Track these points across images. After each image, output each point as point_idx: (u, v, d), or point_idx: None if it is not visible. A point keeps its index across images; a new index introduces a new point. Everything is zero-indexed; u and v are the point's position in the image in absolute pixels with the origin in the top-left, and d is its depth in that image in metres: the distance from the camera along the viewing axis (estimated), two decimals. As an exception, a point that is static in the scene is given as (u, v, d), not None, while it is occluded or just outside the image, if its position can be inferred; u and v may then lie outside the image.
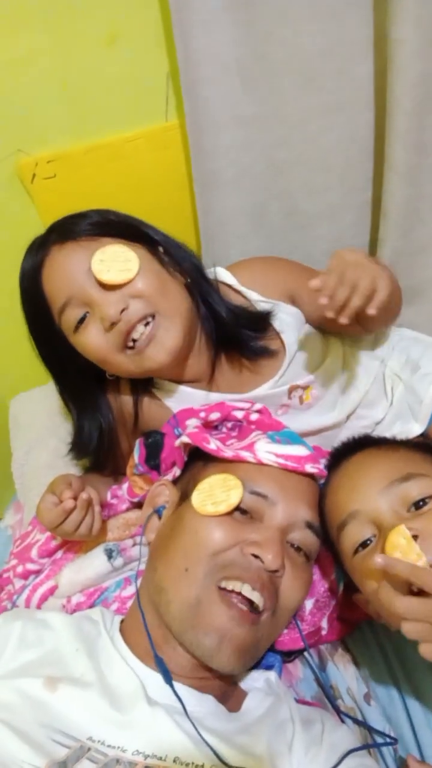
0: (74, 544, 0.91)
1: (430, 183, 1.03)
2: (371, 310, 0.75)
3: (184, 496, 0.78)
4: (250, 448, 0.79)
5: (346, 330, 0.96)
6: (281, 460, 0.78)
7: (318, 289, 0.75)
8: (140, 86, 1.06)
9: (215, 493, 0.74)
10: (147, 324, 0.80)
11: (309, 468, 0.79)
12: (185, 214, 1.20)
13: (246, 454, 0.78)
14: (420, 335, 1.12)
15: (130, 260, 0.79)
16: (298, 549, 0.75)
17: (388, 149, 0.99)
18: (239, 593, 0.68)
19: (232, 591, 0.69)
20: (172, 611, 0.70)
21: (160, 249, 0.86)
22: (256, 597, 0.69)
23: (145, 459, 0.90)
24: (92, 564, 0.86)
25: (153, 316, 0.80)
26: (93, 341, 0.81)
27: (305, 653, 0.85)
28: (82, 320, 0.81)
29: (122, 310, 0.79)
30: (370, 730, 0.77)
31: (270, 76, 0.98)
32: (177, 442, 0.83)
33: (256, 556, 0.70)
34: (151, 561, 0.77)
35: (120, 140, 1.11)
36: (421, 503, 0.70)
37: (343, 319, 0.75)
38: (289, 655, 0.86)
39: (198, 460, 0.83)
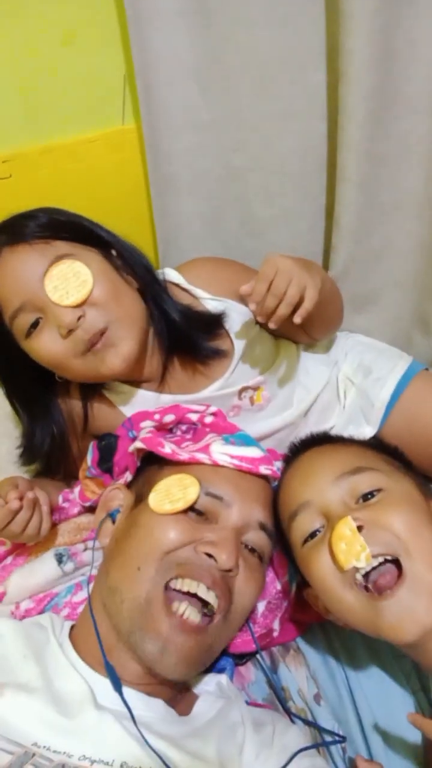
0: (24, 550, 0.89)
1: (383, 192, 1.05)
2: (297, 319, 0.79)
3: (139, 500, 0.77)
4: (205, 449, 0.80)
5: (291, 335, 0.97)
6: (236, 461, 0.78)
7: (247, 294, 0.78)
8: (97, 88, 1.06)
9: (172, 491, 0.74)
10: (105, 331, 0.80)
11: (263, 469, 0.79)
12: (142, 217, 1.20)
13: (201, 456, 0.78)
14: (374, 341, 1.14)
15: (80, 272, 0.78)
16: (252, 550, 0.75)
17: (340, 158, 1.01)
18: (194, 594, 0.68)
19: (187, 592, 0.68)
20: (123, 611, 0.69)
21: (113, 252, 0.86)
22: (211, 597, 0.68)
23: (98, 462, 0.89)
24: (42, 569, 0.84)
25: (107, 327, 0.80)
26: (48, 347, 0.80)
27: (257, 656, 0.85)
28: (34, 325, 0.80)
29: (79, 317, 0.78)
30: (320, 729, 0.77)
31: (226, 81, 1.00)
32: (131, 448, 0.82)
33: (210, 555, 0.69)
34: (104, 565, 0.76)
35: (77, 142, 1.10)
36: (369, 495, 0.71)
37: (272, 325, 0.79)
38: (241, 658, 0.86)
39: (153, 463, 0.82)
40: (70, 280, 0.77)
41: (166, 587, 0.69)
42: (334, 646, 0.87)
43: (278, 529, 0.79)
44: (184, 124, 1.03)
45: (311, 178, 1.09)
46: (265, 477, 0.81)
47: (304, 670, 0.85)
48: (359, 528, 0.66)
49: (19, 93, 1.03)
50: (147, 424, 0.86)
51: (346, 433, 1.04)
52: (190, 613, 0.68)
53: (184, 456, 0.78)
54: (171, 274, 0.93)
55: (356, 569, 0.66)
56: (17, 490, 0.77)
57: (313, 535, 0.72)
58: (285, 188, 1.10)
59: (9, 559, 0.89)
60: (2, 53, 0.99)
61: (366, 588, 0.66)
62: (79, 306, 0.78)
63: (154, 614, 0.67)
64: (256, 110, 1.02)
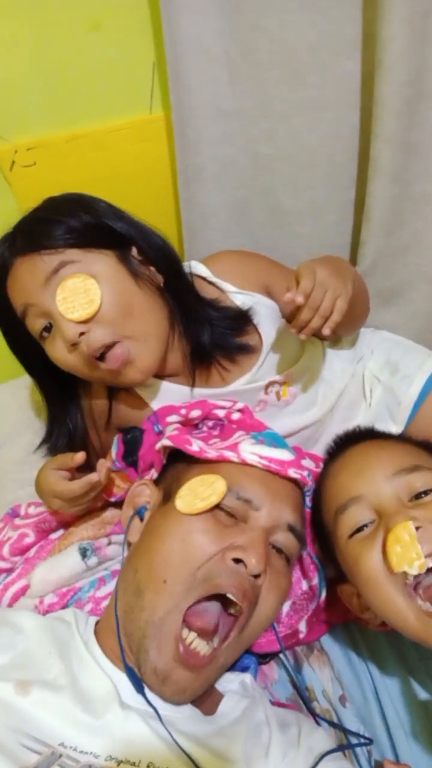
0: (48, 542, 0.89)
1: (414, 183, 1.03)
2: (326, 331, 0.79)
3: (167, 497, 0.76)
4: (233, 448, 0.78)
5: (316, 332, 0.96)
6: (264, 462, 0.77)
7: (289, 301, 0.77)
8: (125, 75, 1.04)
9: (199, 491, 0.72)
10: (113, 346, 0.78)
11: (292, 473, 0.78)
12: (168, 208, 1.18)
13: (230, 454, 0.77)
14: (401, 338, 1.12)
15: (90, 290, 0.76)
16: (279, 551, 0.74)
17: (374, 150, 0.99)
18: (223, 596, 0.67)
19: (213, 596, 0.67)
20: (139, 619, 0.68)
21: (134, 249, 0.83)
22: (236, 607, 0.68)
23: (123, 455, 0.88)
24: (66, 563, 0.84)
25: (120, 340, 0.78)
26: (59, 354, 0.80)
27: (281, 655, 0.84)
28: (47, 329, 0.79)
29: (81, 333, 0.76)
30: (345, 731, 0.77)
31: (256, 69, 0.97)
32: (158, 445, 0.81)
33: (238, 561, 0.68)
34: (132, 562, 0.74)
35: (103, 130, 1.08)
36: (422, 494, 0.71)
37: (302, 336, 0.79)
38: (264, 657, 0.85)
39: (180, 460, 0.81)
40: (79, 295, 0.76)
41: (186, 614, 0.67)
42: (359, 646, 0.86)
43: (317, 524, 0.77)
44: (212, 113, 1.01)
45: (341, 169, 1.07)
46: (293, 480, 0.79)
47: (329, 671, 0.84)
48: (417, 528, 0.66)
49: (44, 80, 1.02)
50: (173, 419, 0.85)
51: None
52: (198, 644, 0.67)
53: (212, 454, 0.76)
54: (197, 267, 0.92)
55: (406, 573, 0.65)
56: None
57: (360, 529, 0.71)
58: (314, 180, 1.08)
59: (32, 552, 0.89)
60: (28, 39, 0.97)
61: (414, 589, 0.66)
62: (82, 323, 0.76)
63: (164, 636, 0.66)
64: (286, 100, 1.00)
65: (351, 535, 0.72)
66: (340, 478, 0.77)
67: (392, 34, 0.85)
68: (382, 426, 1.02)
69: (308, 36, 0.94)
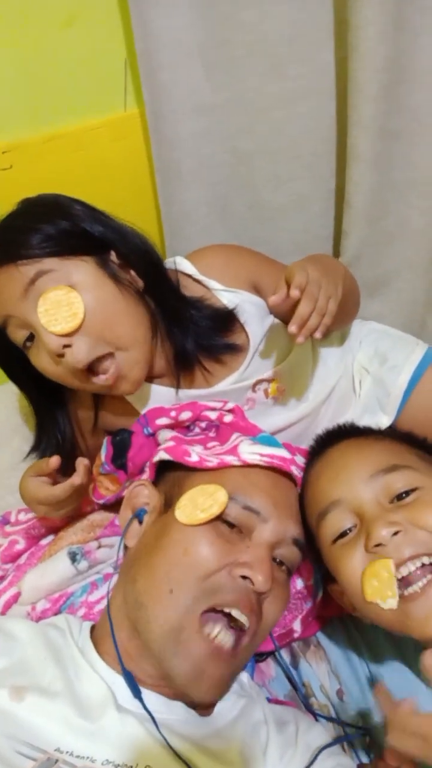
0: (38, 549, 0.88)
1: (395, 170, 1.02)
2: (317, 335, 0.78)
3: (169, 503, 0.75)
4: (233, 451, 0.77)
5: None
6: (267, 459, 0.76)
7: (276, 305, 0.77)
8: (99, 73, 1.03)
9: (199, 501, 0.71)
10: (102, 358, 0.77)
11: (294, 470, 0.77)
12: (148, 206, 1.17)
13: (230, 459, 0.75)
14: (388, 329, 1.11)
15: (74, 304, 0.75)
16: (281, 563, 0.73)
17: (351, 137, 0.98)
18: (227, 615, 0.66)
19: (220, 611, 0.66)
20: (152, 631, 0.66)
21: (113, 254, 0.81)
22: (244, 619, 0.67)
23: (112, 458, 0.87)
24: (55, 568, 0.83)
25: (111, 354, 0.77)
26: (44, 365, 0.78)
27: (277, 654, 0.83)
28: (30, 338, 0.78)
29: (65, 345, 0.75)
30: (342, 725, 0.76)
31: (232, 62, 0.96)
32: (155, 459, 0.79)
33: (244, 577, 0.67)
34: (131, 570, 0.73)
35: (79, 130, 1.07)
36: (403, 495, 0.69)
37: (300, 339, 0.78)
38: (260, 655, 0.84)
39: (180, 466, 0.79)
40: (62, 308, 0.74)
41: (201, 614, 0.66)
42: (355, 639, 0.86)
43: (305, 526, 0.76)
44: (188, 108, 1.00)
45: (322, 160, 1.06)
46: (292, 480, 0.79)
47: (325, 666, 0.84)
48: (396, 532, 0.65)
49: (18, 81, 1.00)
50: (163, 421, 0.84)
51: (361, 424, 1.03)
52: (224, 636, 0.66)
53: (212, 462, 0.75)
54: (183, 264, 0.90)
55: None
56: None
57: (343, 534, 0.70)
58: (296, 172, 1.07)
59: (23, 558, 0.88)
60: (1, 39, 0.96)
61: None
62: (65, 335, 0.75)
63: (187, 639, 0.65)
64: (262, 92, 0.99)
65: (334, 541, 0.71)
66: (319, 482, 0.75)
67: (365, 19, 0.84)
68: (372, 417, 1.02)
69: (283, 26, 0.93)
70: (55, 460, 0.78)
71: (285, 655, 0.85)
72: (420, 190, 1.03)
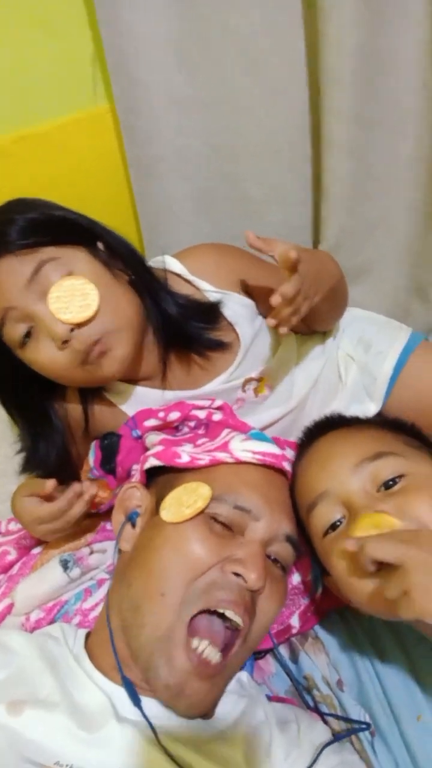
0: (30, 558, 0.87)
1: (373, 158, 1.01)
2: (282, 329, 0.75)
3: (161, 503, 0.73)
4: (225, 447, 0.76)
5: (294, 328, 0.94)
6: (259, 456, 0.75)
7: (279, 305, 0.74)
8: (67, 69, 1.01)
9: (183, 499, 0.70)
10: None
11: (286, 466, 0.76)
12: (124, 203, 1.15)
13: (222, 455, 0.74)
14: (371, 315, 1.10)
15: (89, 295, 0.74)
16: (275, 561, 0.72)
17: (326, 124, 0.97)
18: (221, 614, 0.65)
19: (214, 612, 0.65)
20: (142, 637, 0.65)
21: (100, 245, 0.80)
22: (238, 619, 0.66)
23: (101, 462, 0.86)
24: (48, 577, 0.81)
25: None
26: (46, 358, 0.76)
27: (275, 651, 0.83)
28: (28, 334, 0.76)
29: (72, 328, 0.74)
30: (345, 720, 0.76)
31: (205, 55, 0.94)
32: (145, 466, 0.78)
33: (237, 575, 0.66)
34: (126, 574, 0.71)
35: (50, 128, 1.05)
36: (391, 482, 0.68)
37: (283, 330, 0.76)
38: (259, 653, 0.84)
39: (170, 467, 0.77)
40: (75, 298, 0.73)
41: (190, 622, 0.65)
42: (354, 630, 0.85)
43: (299, 521, 0.76)
44: (162, 103, 0.98)
45: (299, 150, 1.04)
46: (285, 476, 0.78)
47: (324, 657, 0.83)
48: None
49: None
50: (151, 423, 0.83)
51: (349, 412, 1.02)
52: (210, 652, 0.64)
53: (204, 460, 0.74)
54: (172, 264, 0.88)
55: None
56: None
57: (333, 526, 0.69)
58: (274, 164, 1.05)
59: (15, 569, 0.87)
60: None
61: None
62: (73, 325, 0.74)
63: (172, 649, 0.64)
64: (236, 84, 0.97)
65: (325, 534, 0.70)
66: (306, 475, 0.74)
67: (334, 3, 0.82)
68: (360, 405, 1.01)
69: (253, 16, 0.91)
70: (51, 484, 0.77)
71: (284, 649, 0.85)
72: (399, 179, 1.02)
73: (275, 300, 0.71)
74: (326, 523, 0.70)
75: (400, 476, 0.68)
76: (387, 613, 0.65)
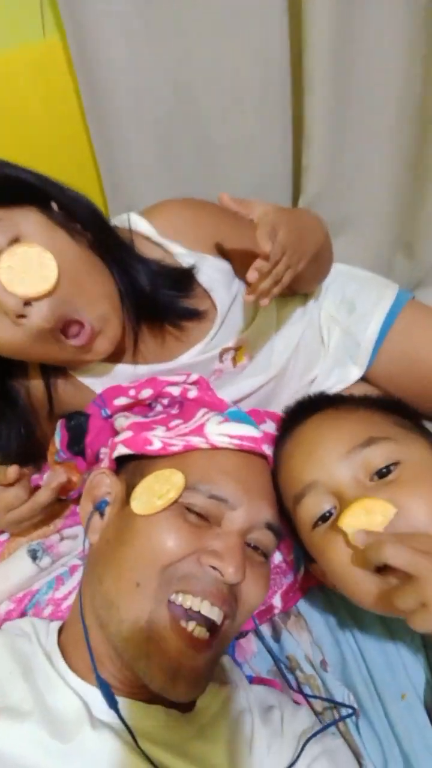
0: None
1: (355, 98, 0.92)
2: (264, 301, 0.70)
3: (131, 491, 0.68)
4: (200, 431, 0.70)
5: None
6: (236, 441, 0.69)
7: (255, 281, 0.68)
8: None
9: (155, 488, 0.65)
10: (72, 323, 0.69)
11: (266, 449, 0.71)
12: (81, 150, 1.04)
13: (197, 440, 0.69)
14: (354, 269, 1.04)
15: (47, 266, 0.66)
16: (256, 548, 0.68)
17: (306, 63, 0.87)
18: (198, 612, 0.61)
19: (190, 609, 0.61)
20: (123, 632, 0.61)
21: (54, 205, 0.71)
22: (215, 614, 0.62)
23: (68, 444, 0.80)
24: (15, 569, 0.77)
25: (78, 322, 0.69)
26: (3, 334, 0.68)
27: (257, 630, 0.80)
28: None
29: (26, 303, 0.66)
30: (329, 702, 0.74)
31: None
32: (114, 454, 0.72)
33: (214, 568, 0.62)
34: (96, 569, 0.67)
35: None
36: (384, 470, 0.64)
37: (264, 302, 0.69)
38: (240, 633, 0.81)
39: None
40: (32, 268, 0.65)
41: (169, 602, 0.61)
42: (336, 607, 0.84)
43: (281, 509, 0.71)
44: (116, 35, 0.87)
45: (273, 91, 0.94)
46: (266, 458, 0.73)
47: (307, 635, 0.82)
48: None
49: None
50: (121, 401, 0.77)
51: (331, 378, 0.97)
52: (200, 631, 0.61)
53: (177, 446, 0.68)
54: (139, 224, 0.79)
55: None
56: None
57: (323, 518, 0.65)
58: (243, 105, 0.95)
59: (-20, 558, 0.82)
60: None
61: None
62: (30, 299, 0.66)
63: (160, 633, 0.60)
64: (200, 11, 0.85)
65: (314, 526, 0.66)
66: (292, 463, 0.69)
67: None
68: (342, 370, 0.96)
69: None
70: (13, 471, 0.72)
71: (266, 628, 0.83)
72: (382, 121, 0.93)
73: (251, 276, 0.65)
74: (315, 515, 0.66)
75: (395, 464, 0.64)
76: (385, 611, 0.62)
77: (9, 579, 0.77)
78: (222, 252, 0.82)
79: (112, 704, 0.62)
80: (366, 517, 0.61)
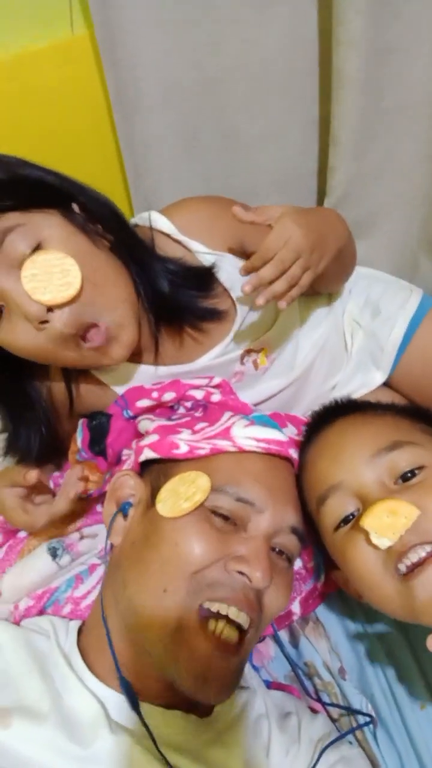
0: (16, 542, 0.82)
1: (386, 93, 0.90)
2: (281, 305, 0.69)
3: (155, 493, 0.68)
4: (226, 434, 0.70)
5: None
6: (263, 444, 0.69)
7: (250, 269, 0.68)
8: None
9: (180, 491, 0.65)
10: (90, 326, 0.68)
11: (293, 453, 0.71)
12: (106, 143, 1.02)
13: (224, 444, 0.68)
14: (377, 273, 1.02)
15: (69, 272, 0.65)
16: (280, 552, 0.68)
17: (337, 55, 0.85)
18: (225, 616, 0.61)
19: (217, 613, 0.61)
20: (151, 638, 0.61)
21: (75, 207, 0.70)
22: (242, 619, 0.62)
23: (89, 444, 0.80)
24: (35, 566, 0.77)
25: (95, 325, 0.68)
26: (23, 340, 0.68)
27: (276, 636, 0.80)
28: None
29: (49, 310, 0.65)
30: (347, 710, 0.74)
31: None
32: (141, 458, 0.72)
33: (241, 573, 0.62)
34: (119, 572, 0.67)
35: (19, 55, 0.91)
36: (409, 474, 0.64)
37: (259, 301, 0.69)
38: (259, 639, 0.81)
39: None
40: (54, 275, 0.64)
41: (198, 608, 0.61)
42: (355, 612, 0.83)
43: (304, 510, 0.71)
44: (145, 27, 0.85)
45: (302, 83, 0.92)
46: (292, 463, 0.72)
47: (326, 642, 0.81)
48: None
49: None
50: (144, 403, 0.77)
51: (354, 382, 0.96)
52: (228, 632, 0.61)
53: (204, 449, 0.68)
54: (160, 221, 0.77)
55: (399, 560, 0.60)
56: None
57: (346, 519, 0.65)
58: (271, 97, 0.93)
59: (1, 553, 0.82)
60: None
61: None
62: (54, 306, 0.65)
63: (189, 638, 0.60)
64: (231, 3, 0.84)
65: (336, 528, 0.66)
66: (317, 465, 0.69)
67: None
68: (365, 374, 0.95)
69: None
70: (33, 475, 0.71)
71: (284, 633, 0.83)
72: (412, 116, 0.91)
73: (246, 289, 0.66)
74: (338, 517, 0.65)
75: (420, 468, 0.64)
76: (406, 617, 0.62)
77: (28, 576, 0.77)
78: (242, 251, 0.81)
79: (135, 705, 0.62)
80: (389, 518, 0.60)
